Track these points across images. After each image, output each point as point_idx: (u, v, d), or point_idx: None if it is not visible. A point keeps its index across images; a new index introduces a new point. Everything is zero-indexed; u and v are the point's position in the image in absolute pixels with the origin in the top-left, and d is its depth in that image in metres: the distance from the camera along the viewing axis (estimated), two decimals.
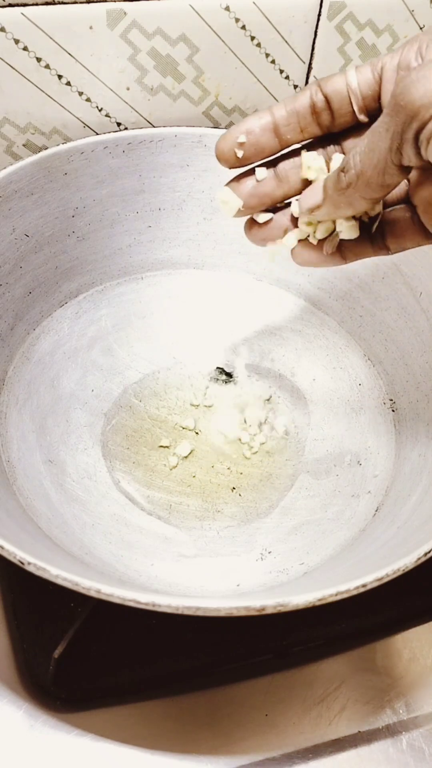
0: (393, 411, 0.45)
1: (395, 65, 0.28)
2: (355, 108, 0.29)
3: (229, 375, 0.48)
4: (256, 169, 0.31)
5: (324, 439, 0.45)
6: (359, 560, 0.36)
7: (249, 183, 0.31)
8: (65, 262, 0.47)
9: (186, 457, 0.44)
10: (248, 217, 0.33)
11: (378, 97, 0.29)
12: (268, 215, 0.32)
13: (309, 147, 0.31)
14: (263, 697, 0.37)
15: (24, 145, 0.50)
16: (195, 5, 0.46)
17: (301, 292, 0.50)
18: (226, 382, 0.48)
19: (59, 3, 0.43)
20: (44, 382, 0.44)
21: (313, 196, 0.30)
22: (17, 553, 0.29)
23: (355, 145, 0.27)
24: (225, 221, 0.49)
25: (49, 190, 0.44)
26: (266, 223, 0.32)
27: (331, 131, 0.31)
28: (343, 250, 0.32)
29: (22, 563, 0.29)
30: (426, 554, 0.30)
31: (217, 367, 0.49)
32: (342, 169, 0.27)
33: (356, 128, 0.30)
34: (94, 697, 0.37)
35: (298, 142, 0.31)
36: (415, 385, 0.44)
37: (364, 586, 0.29)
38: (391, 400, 0.45)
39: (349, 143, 0.31)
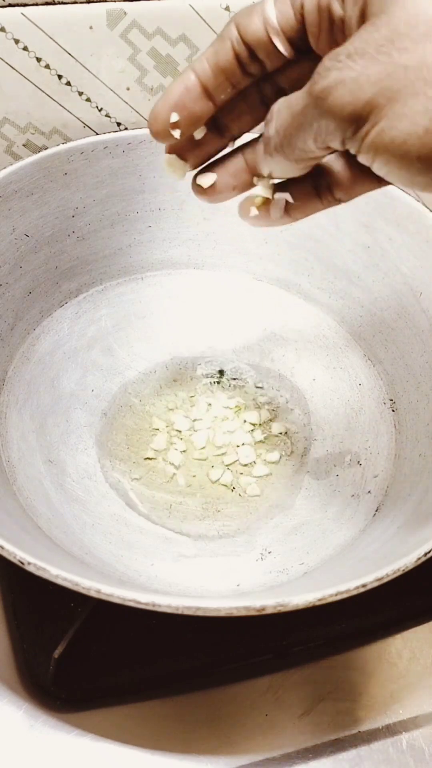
0: (393, 411, 0.45)
1: (315, 6, 0.25)
2: (282, 50, 0.26)
3: (228, 375, 0.48)
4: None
5: (324, 439, 0.45)
6: (359, 560, 0.36)
7: (189, 145, 0.29)
8: (65, 262, 0.47)
9: (186, 457, 0.44)
10: (192, 180, 0.31)
11: (304, 36, 0.26)
12: (212, 177, 0.30)
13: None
14: (263, 697, 0.37)
15: (24, 145, 0.50)
16: (195, 5, 0.46)
17: (301, 292, 0.50)
18: (225, 382, 0.48)
19: (59, 3, 0.43)
20: (44, 382, 0.44)
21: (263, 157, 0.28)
22: (17, 553, 0.29)
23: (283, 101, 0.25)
24: (225, 221, 0.49)
25: (49, 190, 0.44)
26: (213, 185, 0.30)
27: (267, 73, 0.27)
28: (290, 210, 0.30)
29: (22, 563, 0.29)
30: (426, 554, 0.30)
31: (218, 368, 0.49)
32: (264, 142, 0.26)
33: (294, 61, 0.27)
34: (94, 697, 0.37)
35: (234, 96, 0.28)
36: (415, 385, 0.44)
37: (364, 586, 0.29)
38: (391, 400, 0.45)
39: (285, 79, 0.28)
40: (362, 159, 0.24)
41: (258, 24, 0.26)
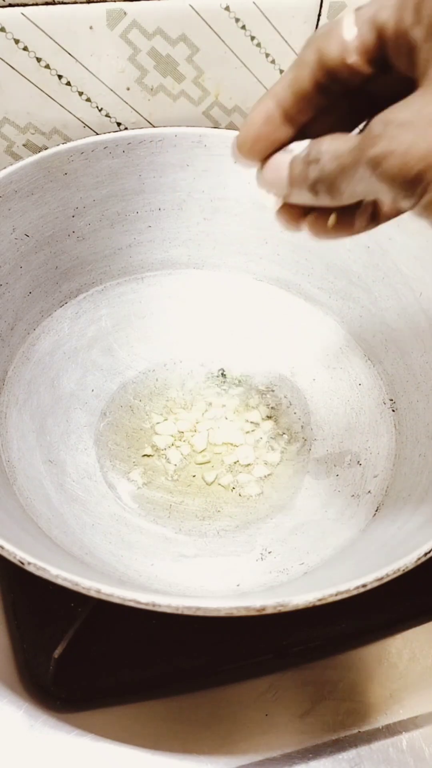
0: (393, 411, 0.45)
1: (394, 31, 0.24)
2: (363, 71, 0.25)
3: (228, 375, 0.48)
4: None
5: (324, 439, 0.45)
6: (359, 560, 0.36)
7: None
8: (65, 262, 0.47)
9: (186, 457, 0.44)
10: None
11: (386, 55, 0.25)
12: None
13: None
14: (263, 697, 0.37)
15: (24, 145, 0.50)
16: (195, 5, 0.46)
17: (301, 292, 0.50)
18: (226, 383, 0.48)
19: (59, 3, 0.43)
20: (44, 382, 0.44)
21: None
22: (17, 553, 0.29)
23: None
24: (225, 221, 0.49)
25: (49, 190, 0.44)
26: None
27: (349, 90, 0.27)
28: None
29: (22, 563, 0.29)
30: (426, 554, 0.30)
31: (218, 368, 0.49)
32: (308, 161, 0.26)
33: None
34: (94, 697, 0.37)
35: (313, 117, 0.28)
36: (415, 385, 0.44)
37: (364, 586, 0.29)
38: (391, 400, 0.45)
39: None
40: (413, 214, 0.24)
41: (336, 48, 0.25)
